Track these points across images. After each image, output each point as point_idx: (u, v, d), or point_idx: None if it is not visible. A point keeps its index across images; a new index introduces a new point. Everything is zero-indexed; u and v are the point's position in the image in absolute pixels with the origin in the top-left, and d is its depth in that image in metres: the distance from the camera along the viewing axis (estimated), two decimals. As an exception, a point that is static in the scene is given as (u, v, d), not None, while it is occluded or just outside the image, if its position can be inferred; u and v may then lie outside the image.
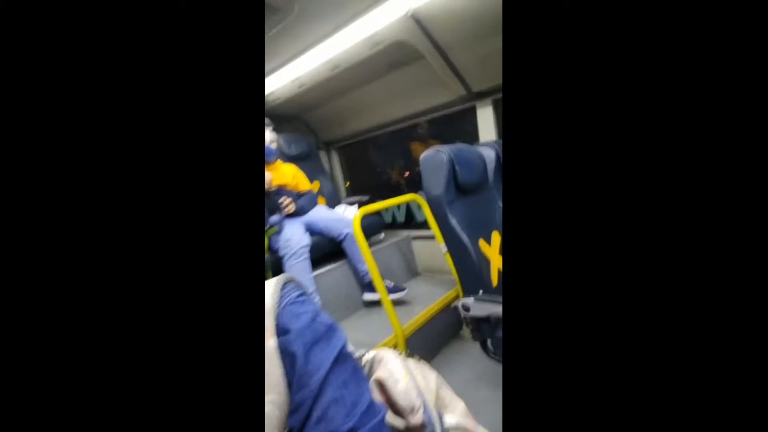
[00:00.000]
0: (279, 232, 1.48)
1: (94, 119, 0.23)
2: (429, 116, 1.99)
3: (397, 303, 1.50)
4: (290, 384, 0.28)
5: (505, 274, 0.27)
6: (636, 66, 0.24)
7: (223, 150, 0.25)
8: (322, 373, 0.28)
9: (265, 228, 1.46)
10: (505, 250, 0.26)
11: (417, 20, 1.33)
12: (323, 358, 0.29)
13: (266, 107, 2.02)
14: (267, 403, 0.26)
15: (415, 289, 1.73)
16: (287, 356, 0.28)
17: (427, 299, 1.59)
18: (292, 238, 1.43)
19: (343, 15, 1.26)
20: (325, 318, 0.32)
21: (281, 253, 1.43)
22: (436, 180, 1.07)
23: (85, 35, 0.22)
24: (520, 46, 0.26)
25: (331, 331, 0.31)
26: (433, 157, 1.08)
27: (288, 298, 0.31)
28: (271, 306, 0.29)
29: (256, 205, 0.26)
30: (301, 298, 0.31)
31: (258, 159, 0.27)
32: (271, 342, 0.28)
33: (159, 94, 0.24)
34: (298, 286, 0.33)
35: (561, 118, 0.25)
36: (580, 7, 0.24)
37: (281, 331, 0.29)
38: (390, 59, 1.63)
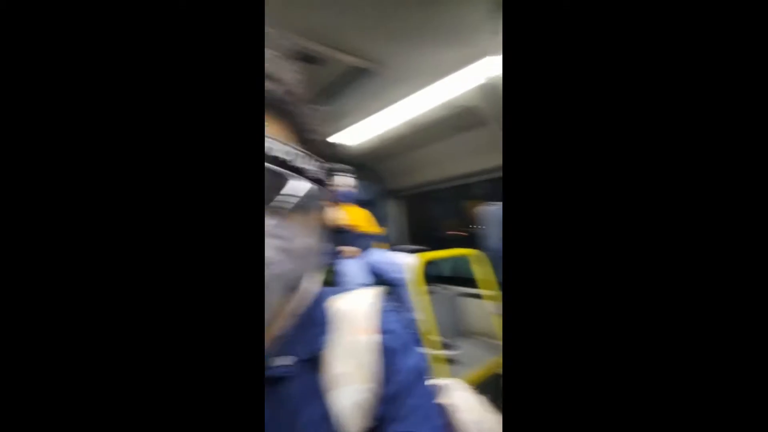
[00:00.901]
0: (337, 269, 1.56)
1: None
2: (486, 177, 2.05)
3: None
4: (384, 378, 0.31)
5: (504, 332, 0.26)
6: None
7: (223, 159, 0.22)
8: (410, 376, 0.31)
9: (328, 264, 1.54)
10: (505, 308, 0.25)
11: (491, 87, 1.45)
12: (412, 363, 0.32)
13: (348, 155, 2.24)
14: (367, 391, 0.30)
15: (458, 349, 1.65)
16: (387, 352, 0.32)
17: (471, 363, 1.50)
18: (352, 274, 1.49)
19: (426, 78, 1.42)
20: (411, 332, 0.35)
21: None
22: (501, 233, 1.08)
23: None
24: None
25: (417, 343, 0.34)
26: (499, 211, 1.10)
27: (388, 305, 0.35)
28: (377, 308, 0.34)
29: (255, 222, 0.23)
30: (395, 308, 0.36)
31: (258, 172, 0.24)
32: (375, 338, 0.32)
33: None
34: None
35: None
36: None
37: (383, 330, 0.33)
38: (459, 122, 1.77)
